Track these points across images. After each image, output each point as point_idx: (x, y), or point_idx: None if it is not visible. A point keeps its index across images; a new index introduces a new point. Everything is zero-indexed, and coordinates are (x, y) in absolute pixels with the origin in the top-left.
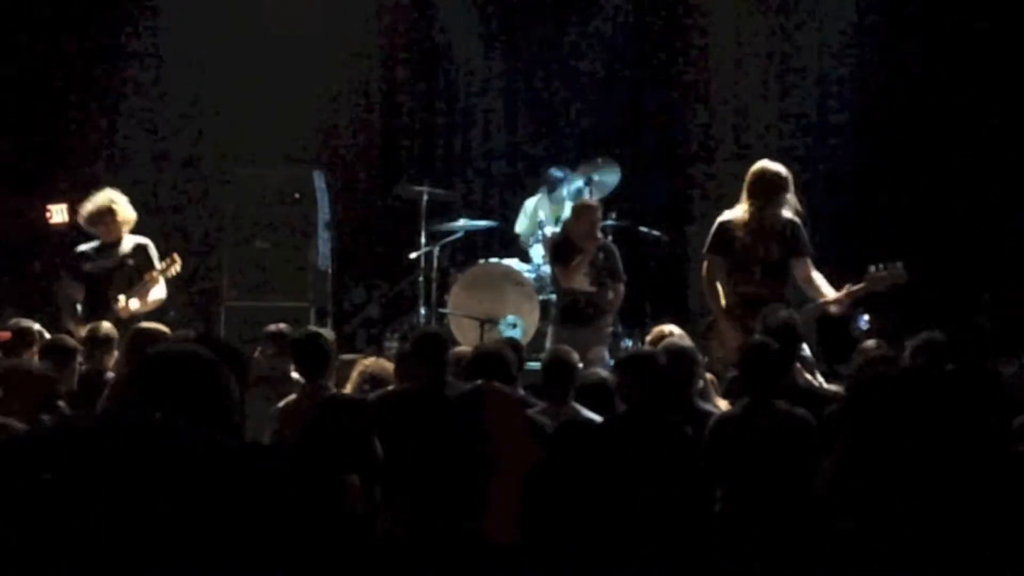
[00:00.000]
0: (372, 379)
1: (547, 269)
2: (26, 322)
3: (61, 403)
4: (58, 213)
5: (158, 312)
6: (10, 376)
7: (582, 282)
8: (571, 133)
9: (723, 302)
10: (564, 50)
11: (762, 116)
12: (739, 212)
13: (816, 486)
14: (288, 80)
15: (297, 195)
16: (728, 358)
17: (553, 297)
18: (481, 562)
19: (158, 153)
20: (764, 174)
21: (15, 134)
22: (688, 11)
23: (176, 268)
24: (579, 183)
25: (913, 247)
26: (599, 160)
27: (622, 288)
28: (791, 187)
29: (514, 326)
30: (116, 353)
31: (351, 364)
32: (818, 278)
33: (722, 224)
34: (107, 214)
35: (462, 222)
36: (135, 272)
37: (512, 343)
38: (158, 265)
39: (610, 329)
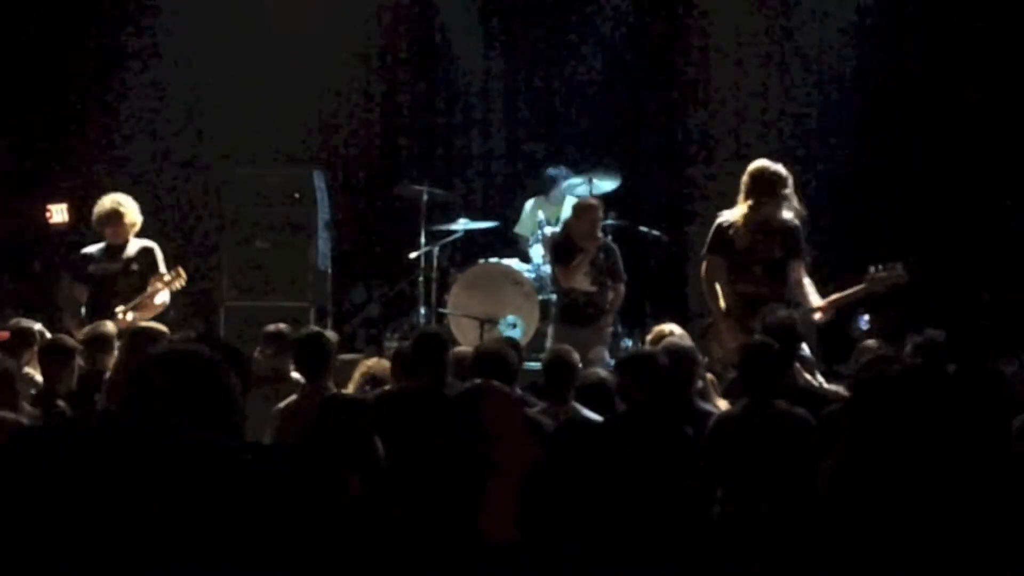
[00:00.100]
0: (374, 380)
1: (547, 269)
2: (26, 322)
3: (61, 403)
4: (58, 213)
5: (158, 313)
6: None
7: (583, 282)
8: (571, 133)
9: (723, 303)
10: (564, 50)
11: (762, 116)
12: (738, 212)
13: (816, 486)
14: (288, 80)
15: (297, 195)
16: (728, 359)
17: (553, 297)
18: (480, 561)
19: (158, 153)
20: (763, 173)
21: (15, 134)
22: (688, 11)
23: (181, 283)
24: (575, 182)
25: (913, 247)
26: (598, 164)
27: (623, 288)
28: (790, 187)
29: (514, 326)
30: (116, 353)
31: (352, 364)
32: (807, 284)
33: (721, 224)
34: (114, 217)
35: (462, 222)
36: (139, 276)
37: (511, 343)
38: (163, 272)
39: (610, 329)
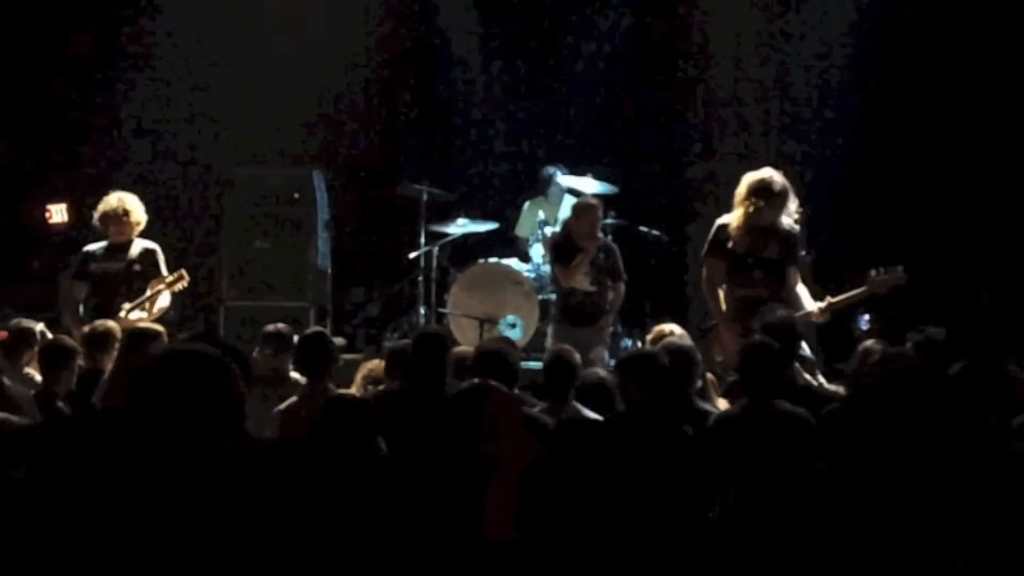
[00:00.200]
0: (376, 381)
1: (547, 269)
2: (27, 322)
3: (60, 403)
4: (58, 213)
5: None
6: None
7: (582, 282)
8: (571, 133)
9: (723, 305)
10: (564, 50)
11: (762, 116)
12: (738, 214)
13: (816, 486)
14: (288, 80)
15: (297, 195)
16: (728, 362)
17: (553, 297)
18: (480, 560)
19: (158, 153)
20: (761, 180)
21: (15, 134)
22: (688, 11)
23: (183, 284)
24: (571, 181)
25: (913, 247)
26: (597, 164)
27: (623, 288)
28: (790, 193)
29: (513, 326)
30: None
31: (353, 365)
32: (802, 290)
33: (721, 227)
34: (121, 215)
35: (462, 222)
36: (141, 277)
37: (508, 342)
38: (165, 274)
39: (610, 329)
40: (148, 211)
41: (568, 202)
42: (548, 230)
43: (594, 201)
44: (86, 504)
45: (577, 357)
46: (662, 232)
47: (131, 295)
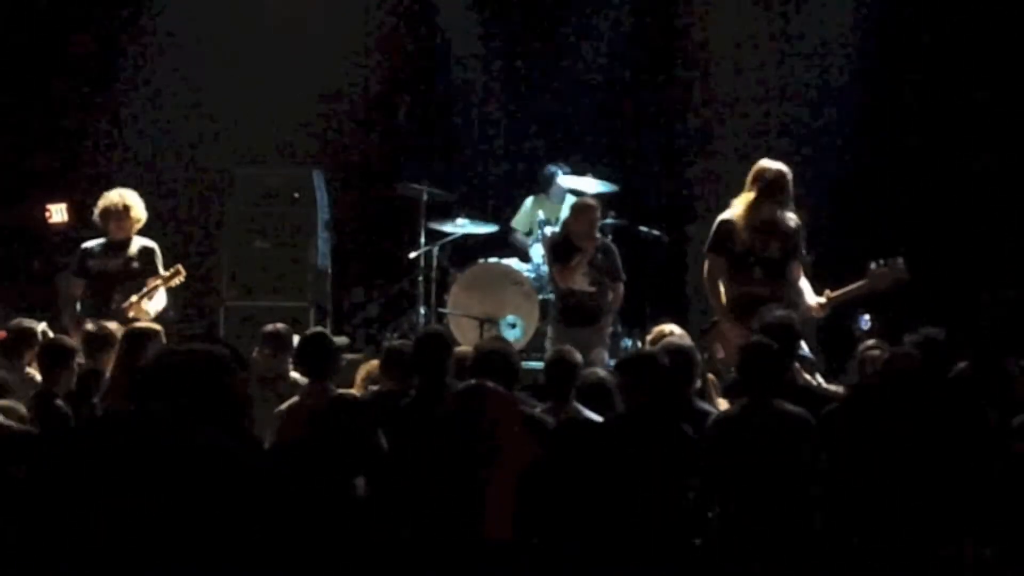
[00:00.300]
0: (375, 381)
1: (547, 269)
2: (28, 322)
3: (60, 403)
4: (58, 213)
5: (158, 314)
6: None
7: (581, 282)
8: (571, 133)
9: (724, 303)
10: (564, 50)
11: (762, 116)
12: (739, 210)
13: (816, 485)
14: (288, 80)
15: (297, 195)
16: (729, 359)
17: (552, 297)
18: (479, 559)
19: (158, 153)
20: (766, 172)
21: (15, 134)
22: (688, 11)
23: (180, 279)
24: (571, 181)
25: (913, 247)
26: (597, 164)
27: (621, 288)
28: (791, 187)
29: (513, 326)
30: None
31: (354, 365)
32: (804, 285)
33: (722, 223)
34: (121, 211)
35: (461, 222)
36: (139, 275)
37: (504, 341)
38: (162, 272)
39: (610, 329)
40: (148, 211)
41: (570, 202)
42: (548, 230)
43: (592, 201)
44: (86, 504)
45: (578, 357)
46: (662, 232)
47: (129, 292)
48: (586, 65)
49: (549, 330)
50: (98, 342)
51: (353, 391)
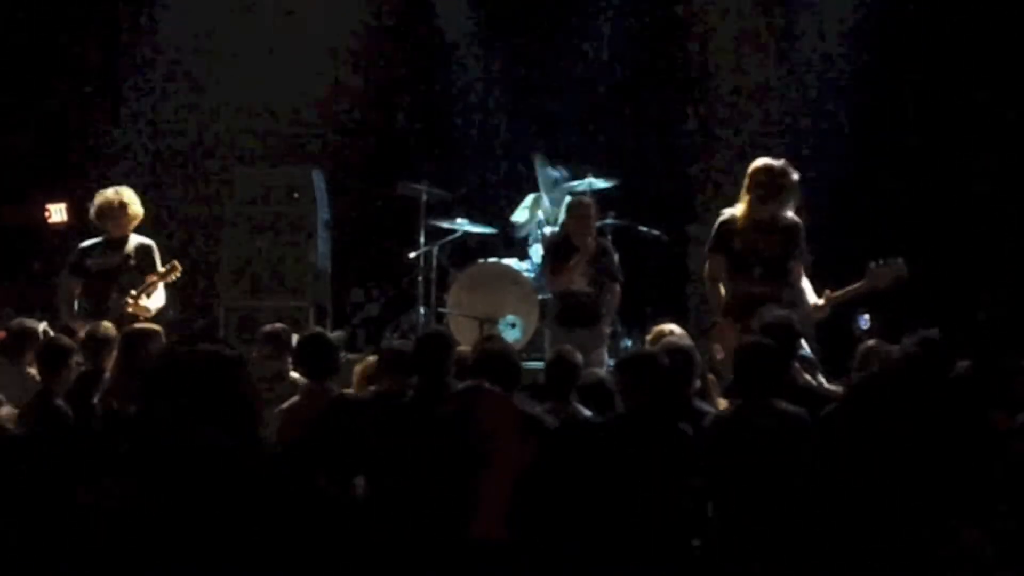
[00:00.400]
0: (372, 380)
1: None
2: (29, 322)
3: (59, 403)
4: (58, 213)
5: (157, 312)
6: None
7: (580, 282)
8: (571, 133)
9: (724, 302)
10: (564, 50)
11: (762, 116)
12: (740, 209)
13: (814, 485)
14: (288, 80)
15: (297, 195)
16: (729, 359)
17: (552, 297)
18: (476, 560)
19: (158, 153)
20: (766, 171)
21: (15, 134)
22: (688, 11)
23: (176, 275)
24: (557, 175)
25: (912, 247)
26: (597, 164)
27: (618, 288)
28: (794, 185)
29: (513, 326)
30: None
31: (354, 364)
32: (805, 285)
33: (723, 222)
34: (118, 208)
35: (461, 222)
36: (136, 273)
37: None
38: (160, 269)
39: (609, 330)
40: (148, 211)
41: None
42: (547, 230)
43: (587, 200)
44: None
45: (579, 357)
46: (662, 232)
47: (127, 290)
48: (586, 65)
49: (547, 331)
50: (98, 342)
51: (351, 390)
